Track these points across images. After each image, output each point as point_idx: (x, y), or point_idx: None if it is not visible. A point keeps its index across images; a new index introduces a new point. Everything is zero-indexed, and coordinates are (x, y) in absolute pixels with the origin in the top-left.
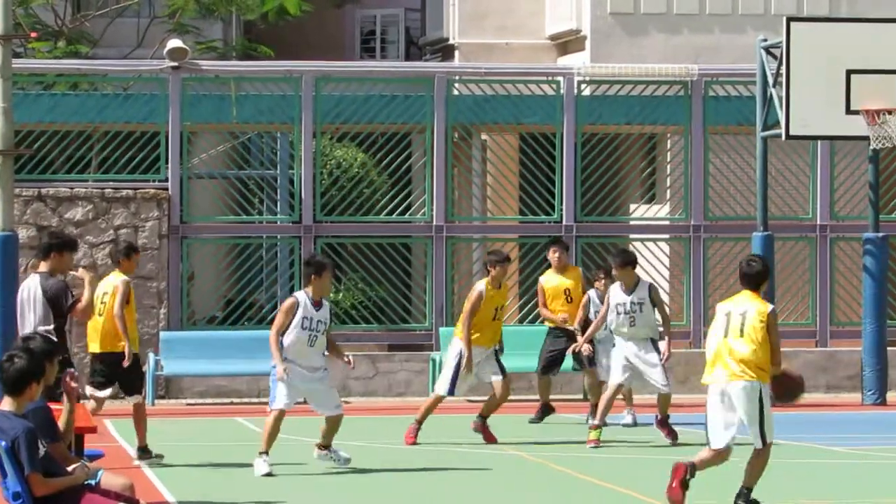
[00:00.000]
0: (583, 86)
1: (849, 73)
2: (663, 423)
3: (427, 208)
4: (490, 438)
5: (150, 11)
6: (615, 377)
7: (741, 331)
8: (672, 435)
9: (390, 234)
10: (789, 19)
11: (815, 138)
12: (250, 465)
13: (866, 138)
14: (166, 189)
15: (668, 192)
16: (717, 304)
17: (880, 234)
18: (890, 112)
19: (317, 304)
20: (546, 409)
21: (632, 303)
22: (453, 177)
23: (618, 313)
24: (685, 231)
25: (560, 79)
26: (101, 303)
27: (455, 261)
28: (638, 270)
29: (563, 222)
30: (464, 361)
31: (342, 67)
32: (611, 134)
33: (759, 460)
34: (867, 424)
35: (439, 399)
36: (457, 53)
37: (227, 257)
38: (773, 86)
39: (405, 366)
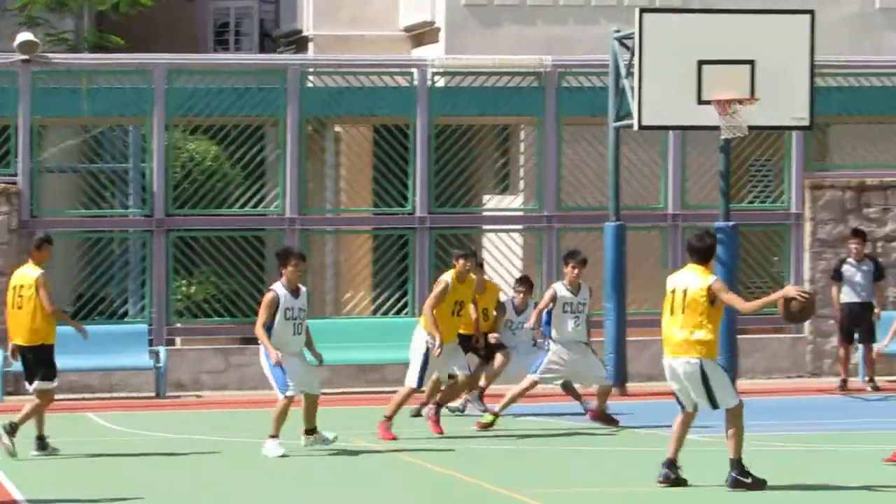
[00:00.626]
0: (436, 77)
1: (700, 63)
2: (601, 414)
3: (280, 201)
4: (437, 430)
5: (0, 5)
6: (537, 376)
7: (683, 307)
8: (612, 421)
9: (243, 227)
10: (642, 10)
11: (667, 128)
12: (100, 457)
13: (717, 128)
14: (16, 183)
15: (522, 182)
16: (668, 277)
17: (731, 223)
18: (740, 102)
19: (294, 293)
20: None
21: (578, 303)
22: (307, 169)
23: (564, 312)
24: (538, 221)
25: (414, 70)
26: (19, 296)
27: (308, 253)
28: (491, 261)
29: (417, 214)
30: (434, 347)
31: (195, 60)
32: (464, 125)
33: (730, 429)
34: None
35: (411, 392)
36: (311, 45)
37: (79, 251)
38: (626, 77)
39: (257, 359)
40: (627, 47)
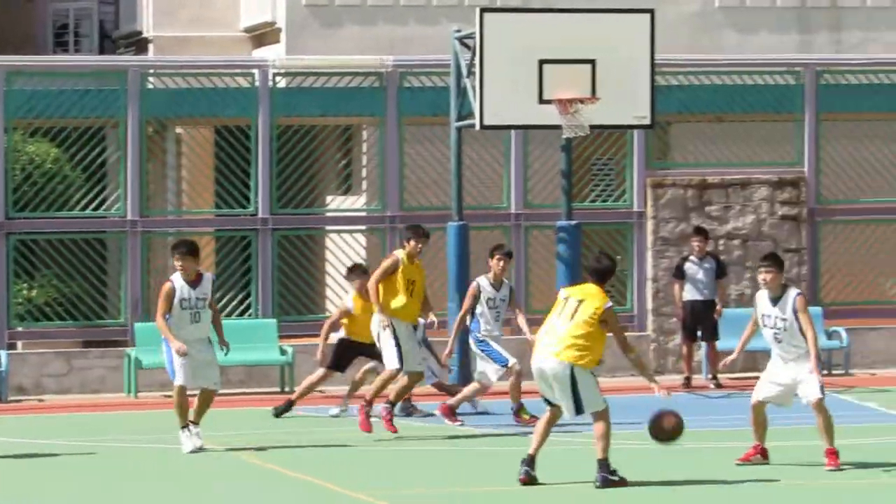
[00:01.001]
0: (278, 78)
1: (541, 62)
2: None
3: (121, 203)
4: (392, 429)
5: None
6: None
7: (572, 315)
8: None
9: (84, 230)
10: (482, 10)
11: (509, 128)
12: None
13: (559, 127)
14: None
15: (365, 183)
16: (561, 289)
17: (573, 222)
18: (582, 101)
19: (193, 282)
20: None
21: (500, 299)
22: (148, 171)
23: (488, 308)
24: (381, 222)
25: (255, 71)
26: None
27: (150, 255)
28: (335, 262)
29: (259, 215)
30: (383, 322)
31: (34, 62)
32: (306, 126)
33: (596, 431)
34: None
35: (394, 374)
36: (151, 47)
37: None
38: (468, 76)
39: (100, 362)
40: (468, 47)
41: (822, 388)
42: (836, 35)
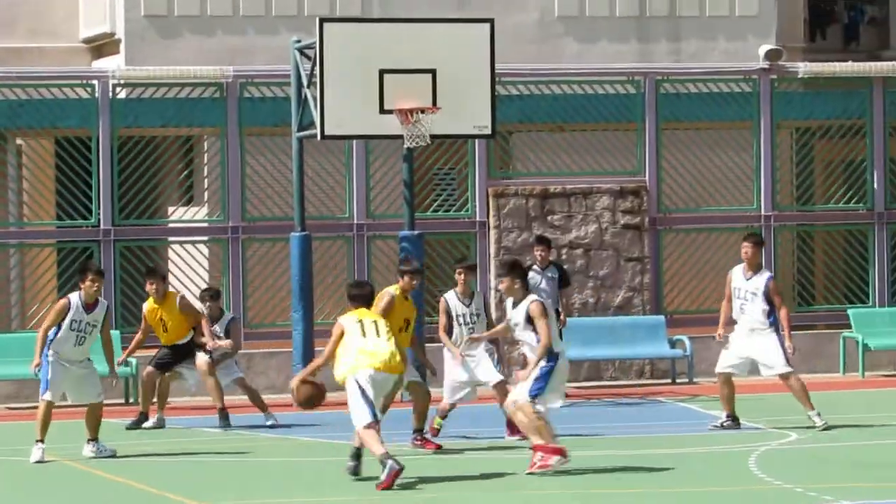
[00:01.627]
0: (118, 89)
1: (381, 72)
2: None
3: None
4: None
5: None
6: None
7: (381, 332)
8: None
9: None
10: (322, 20)
11: (350, 138)
12: None
13: (400, 137)
14: None
15: (206, 193)
16: (345, 318)
17: (416, 232)
18: (422, 111)
19: (89, 307)
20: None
21: (472, 314)
22: None
23: (458, 324)
24: (223, 233)
25: (94, 82)
26: None
27: None
28: (177, 273)
29: (101, 226)
30: None
31: None
32: (147, 136)
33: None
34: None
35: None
36: None
37: None
38: (308, 86)
39: None
40: (309, 57)
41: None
42: (675, 45)
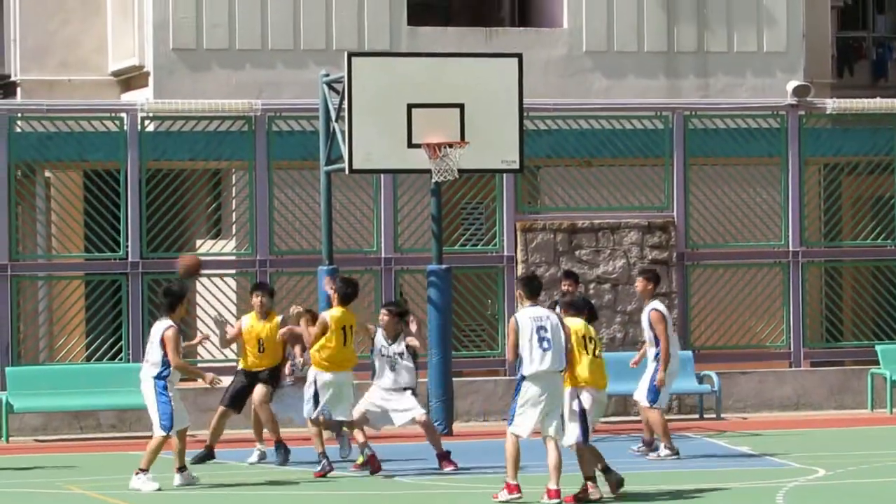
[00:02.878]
0: (146, 122)
1: (410, 107)
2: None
3: None
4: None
5: None
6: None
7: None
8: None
9: None
10: (350, 54)
11: (378, 172)
12: None
13: (428, 171)
14: None
15: (234, 227)
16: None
17: (443, 266)
18: (450, 145)
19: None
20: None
21: (395, 353)
22: (17, 215)
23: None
24: (251, 266)
25: (123, 115)
26: None
27: (20, 299)
28: (205, 306)
29: (130, 259)
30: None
31: None
32: (176, 170)
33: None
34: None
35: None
36: (19, 90)
37: None
38: (336, 120)
39: None
40: (337, 91)
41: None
42: (703, 80)
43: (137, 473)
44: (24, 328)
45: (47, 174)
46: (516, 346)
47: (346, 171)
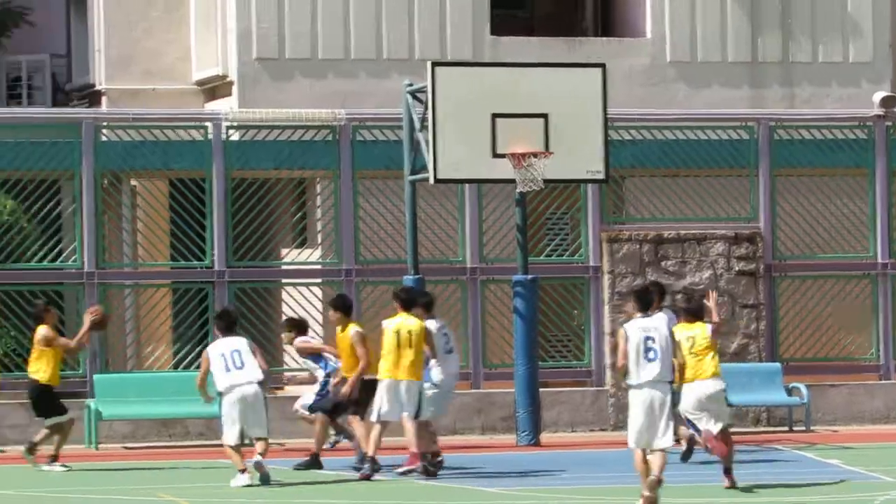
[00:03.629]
0: (231, 131)
1: (494, 116)
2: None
3: (78, 255)
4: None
5: None
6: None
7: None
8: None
9: (41, 282)
10: (434, 64)
11: (462, 181)
12: None
13: (513, 181)
14: None
15: (319, 236)
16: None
17: (529, 277)
18: (535, 155)
19: None
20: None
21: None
22: (104, 223)
23: None
24: (337, 275)
25: (208, 124)
26: None
27: (107, 307)
28: (289, 314)
29: (215, 267)
30: None
31: None
32: (260, 178)
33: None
34: (522, 465)
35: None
36: (104, 99)
37: None
38: (420, 130)
39: None
40: (420, 100)
41: None
42: (788, 90)
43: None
44: (112, 336)
45: (133, 183)
46: (626, 353)
47: (431, 181)
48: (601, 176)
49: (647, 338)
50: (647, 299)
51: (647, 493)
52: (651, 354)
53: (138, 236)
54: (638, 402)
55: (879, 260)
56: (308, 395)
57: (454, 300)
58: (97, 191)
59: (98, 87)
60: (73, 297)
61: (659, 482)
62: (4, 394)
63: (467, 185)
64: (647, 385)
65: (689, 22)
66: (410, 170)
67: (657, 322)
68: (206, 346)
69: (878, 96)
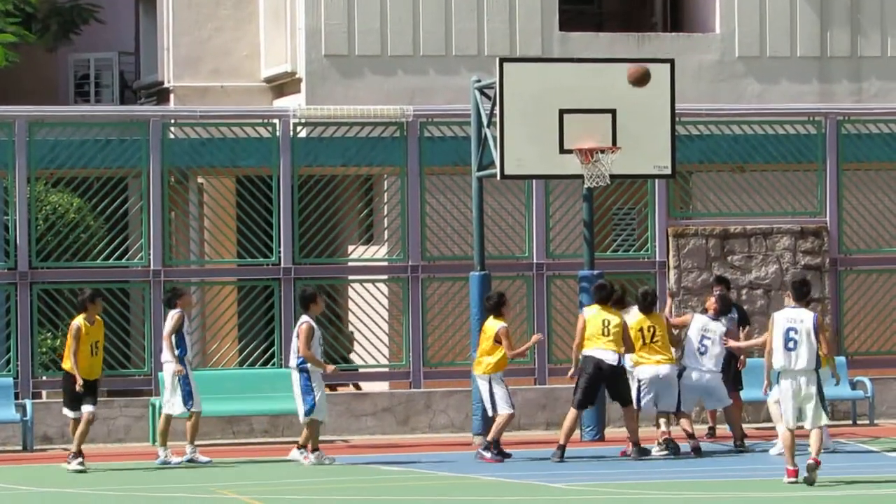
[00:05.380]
0: (298, 128)
1: (561, 112)
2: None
3: (144, 253)
4: None
5: None
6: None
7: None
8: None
9: (108, 279)
10: (502, 60)
11: (530, 177)
12: None
13: (580, 177)
14: None
15: (386, 232)
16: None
17: (595, 272)
18: (602, 151)
19: None
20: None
21: None
22: (170, 221)
23: None
24: (403, 272)
25: (276, 121)
26: None
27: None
28: (357, 311)
29: (282, 264)
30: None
31: (56, 112)
32: (328, 175)
33: None
34: (587, 460)
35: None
36: (172, 97)
37: None
38: (488, 126)
39: (125, 411)
40: (488, 97)
41: None
42: (856, 84)
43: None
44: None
45: (200, 180)
46: (771, 340)
47: (498, 177)
48: (668, 171)
49: (790, 328)
50: (804, 290)
51: (806, 475)
52: (791, 344)
53: (205, 234)
54: (785, 388)
55: None
56: None
57: (520, 296)
58: (164, 188)
59: (166, 85)
60: (140, 294)
61: (817, 465)
62: (49, 392)
63: (534, 181)
64: (791, 373)
65: (757, 17)
66: (478, 166)
67: (804, 314)
68: (272, 343)
69: None
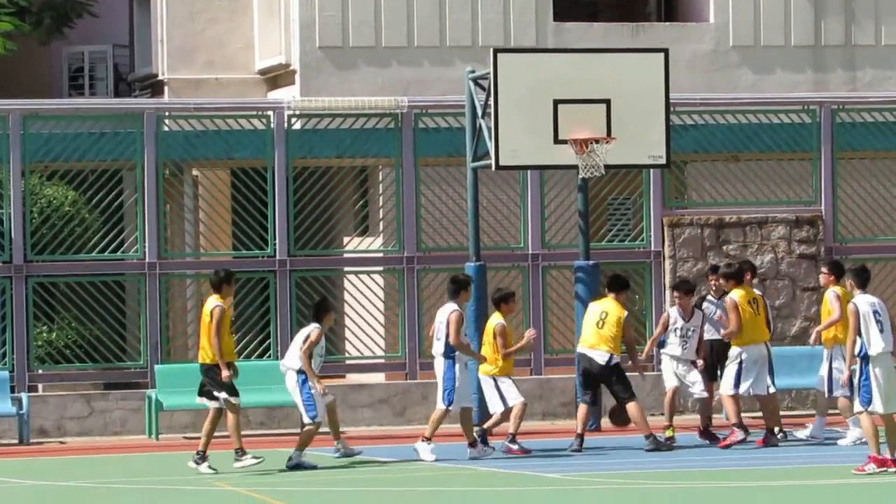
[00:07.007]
0: (293, 119)
1: (556, 102)
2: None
3: (139, 245)
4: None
5: None
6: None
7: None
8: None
9: (103, 272)
10: (496, 51)
11: (525, 168)
12: None
13: (575, 167)
14: None
15: (381, 224)
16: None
17: (591, 262)
18: (597, 141)
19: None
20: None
21: None
22: (165, 213)
23: None
24: (399, 263)
25: (270, 113)
26: None
27: (169, 297)
28: (352, 303)
29: (277, 256)
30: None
31: (50, 105)
32: (322, 167)
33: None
34: (583, 450)
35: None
36: (166, 89)
37: None
38: (482, 117)
39: (121, 404)
40: (483, 87)
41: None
42: (850, 73)
43: (423, 441)
44: (173, 326)
45: (195, 172)
46: (857, 329)
47: (493, 168)
48: (663, 161)
49: (875, 311)
50: (865, 276)
51: None
52: (880, 326)
53: (200, 226)
54: (879, 372)
55: None
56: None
57: (515, 286)
58: (159, 181)
59: (160, 78)
60: (135, 286)
61: None
62: (64, 385)
63: (529, 172)
64: (885, 357)
65: (751, 6)
66: (473, 157)
67: (877, 300)
68: (269, 335)
69: None
